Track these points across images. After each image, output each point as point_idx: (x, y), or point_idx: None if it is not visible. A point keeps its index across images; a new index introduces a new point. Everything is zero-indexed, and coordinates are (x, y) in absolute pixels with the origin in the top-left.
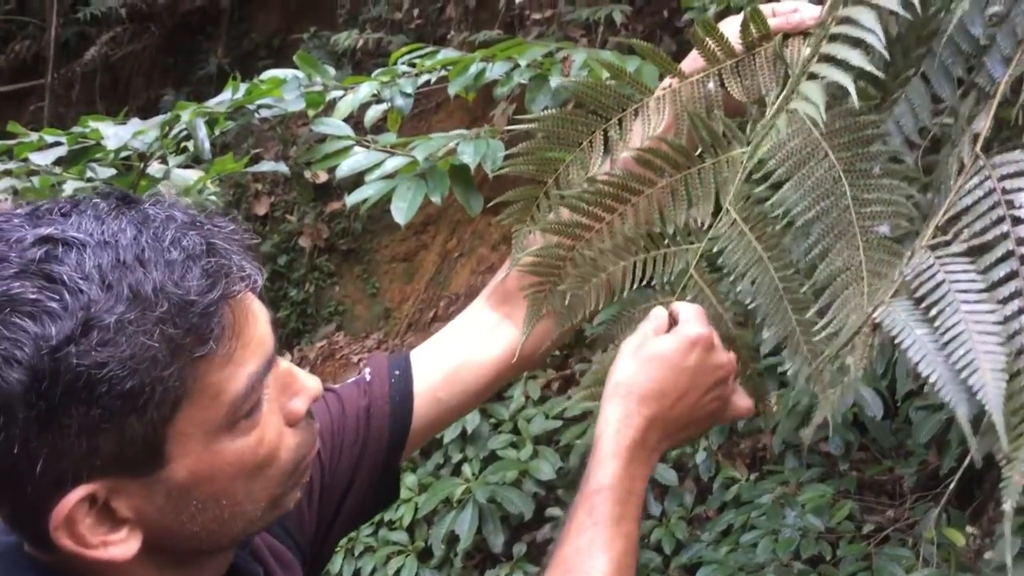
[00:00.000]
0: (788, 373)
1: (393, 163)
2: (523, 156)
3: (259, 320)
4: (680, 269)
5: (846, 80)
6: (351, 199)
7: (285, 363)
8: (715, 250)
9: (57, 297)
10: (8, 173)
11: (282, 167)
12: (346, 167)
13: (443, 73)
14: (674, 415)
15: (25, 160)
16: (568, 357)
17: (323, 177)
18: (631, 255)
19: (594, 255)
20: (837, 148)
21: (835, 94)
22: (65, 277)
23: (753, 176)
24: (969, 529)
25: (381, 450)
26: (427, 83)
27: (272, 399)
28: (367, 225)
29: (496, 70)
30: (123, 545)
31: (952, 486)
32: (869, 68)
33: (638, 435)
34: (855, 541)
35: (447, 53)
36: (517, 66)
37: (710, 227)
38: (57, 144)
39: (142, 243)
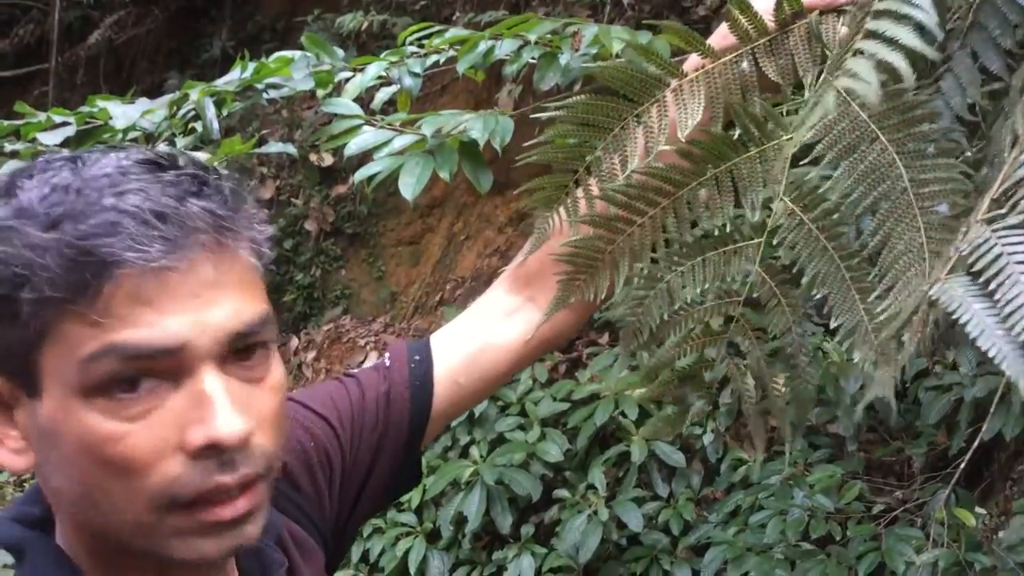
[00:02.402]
0: (855, 361)
1: (402, 141)
2: (550, 144)
3: (177, 308)
4: (740, 268)
5: (897, 58)
6: (359, 175)
7: (214, 388)
8: (774, 243)
9: None
10: (15, 154)
11: (290, 148)
12: (355, 145)
13: (451, 54)
14: None
15: (33, 141)
16: (575, 340)
17: (329, 160)
18: (688, 259)
19: (654, 271)
20: (887, 130)
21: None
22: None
23: (801, 163)
24: (978, 509)
25: (402, 435)
26: (435, 64)
27: (175, 409)
28: (373, 208)
29: (505, 47)
30: (15, 454)
31: (962, 467)
32: (920, 47)
33: None
34: (864, 521)
35: (455, 32)
36: (527, 43)
37: (762, 221)
38: (65, 124)
39: (100, 183)
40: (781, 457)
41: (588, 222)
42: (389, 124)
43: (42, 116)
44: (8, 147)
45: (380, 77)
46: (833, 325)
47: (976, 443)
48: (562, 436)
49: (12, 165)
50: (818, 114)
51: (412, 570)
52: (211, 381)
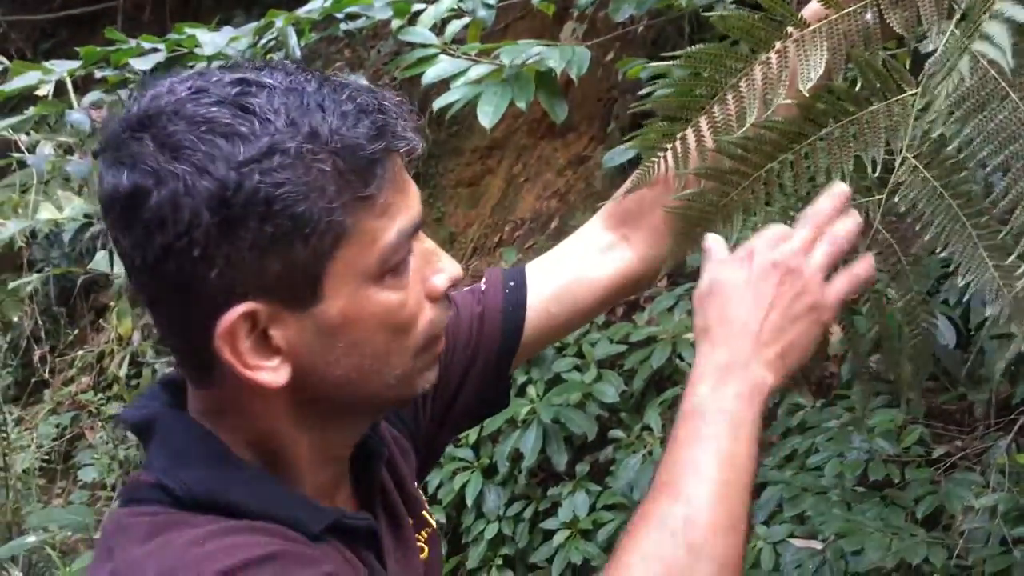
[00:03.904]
0: (989, 316)
1: (478, 70)
2: (667, 91)
3: (411, 187)
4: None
5: None
6: (438, 103)
7: (430, 242)
8: (896, 199)
9: (248, 123)
10: (105, 80)
11: (362, 79)
12: (432, 74)
13: None
14: (749, 315)
15: (124, 67)
16: None
17: None
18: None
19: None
20: (1018, 88)
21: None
22: (256, 108)
23: (927, 120)
24: None
25: (492, 356)
26: None
27: (416, 269)
28: (433, 150)
29: None
30: (274, 373)
31: None
32: None
33: (712, 348)
34: (923, 467)
35: None
36: None
37: (882, 178)
38: (155, 51)
39: (323, 93)
40: (839, 402)
41: (702, 174)
42: (464, 55)
43: (132, 43)
44: (99, 73)
45: (453, 9)
46: (961, 283)
47: None
48: (618, 378)
49: (94, 95)
50: (954, 81)
51: (469, 503)
52: (428, 241)
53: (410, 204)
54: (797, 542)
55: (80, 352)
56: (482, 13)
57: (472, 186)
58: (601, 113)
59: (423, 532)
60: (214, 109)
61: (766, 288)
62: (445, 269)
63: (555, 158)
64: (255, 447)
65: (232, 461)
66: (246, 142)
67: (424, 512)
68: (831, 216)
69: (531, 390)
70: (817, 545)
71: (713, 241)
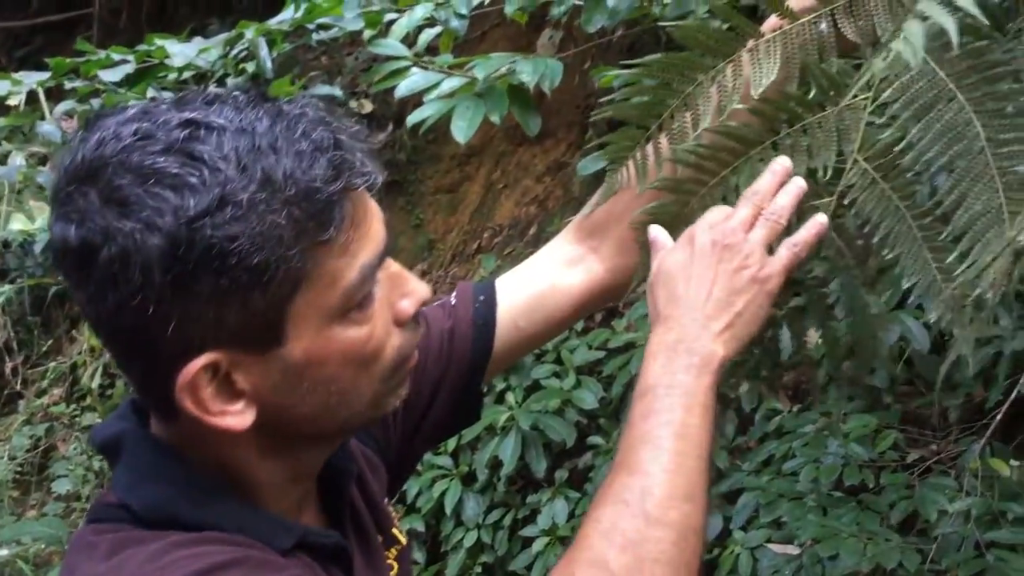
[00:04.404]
0: (930, 320)
1: (451, 83)
2: (625, 100)
3: (375, 216)
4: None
5: (947, 20)
6: (411, 119)
7: (396, 265)
8: (846, 202)
9: (197, 173)
10: (75, 92)
11: (336, 90)
12: (404, 87)
13: None
14: (693, 293)
15: (93, 78)
16: None
17: (368, 107)
18: None
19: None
20: (965, 89)
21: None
22: (205, 156)
23: (876, 123)
24: (1013, 462)
25: (462, 372)
26: (481, 4)
27: (383, 296)
28: (412, 156)
29: None
30: (239, 416)
31: (998, 419)
32: (972, 11)
33: (663, 328)
34: (898, 471)
35: None
36: None
37: (831, 180)
38: (124, 62)
39: (276, 133)
40: (815, 408)
41: (660, 187)
42: (437, 67)
43: (102, 54)
44: (68, 84)
45: (426, 18)
46: (906, 285)
47: (1013, 395)
48: (597, 384)
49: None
50: (865, 75)
51: (448, 511)
52: (395, 264)
53: (373, 236)
54: (774, 547)
55: (52, 364)
56: (455, 23)
57: (451, 193)
58: (579, 119)
59: (393, 549)
60: (161, 159)
61: (708, 266)
62: (412, 292)
63: (534, 164)
64: (220, 469)
65: (197, 481)
66: (196, 194)
67: (394, 529)
68: (771, 191)
69: (510, 397)
70: (794, 550)
71: (657, 232)
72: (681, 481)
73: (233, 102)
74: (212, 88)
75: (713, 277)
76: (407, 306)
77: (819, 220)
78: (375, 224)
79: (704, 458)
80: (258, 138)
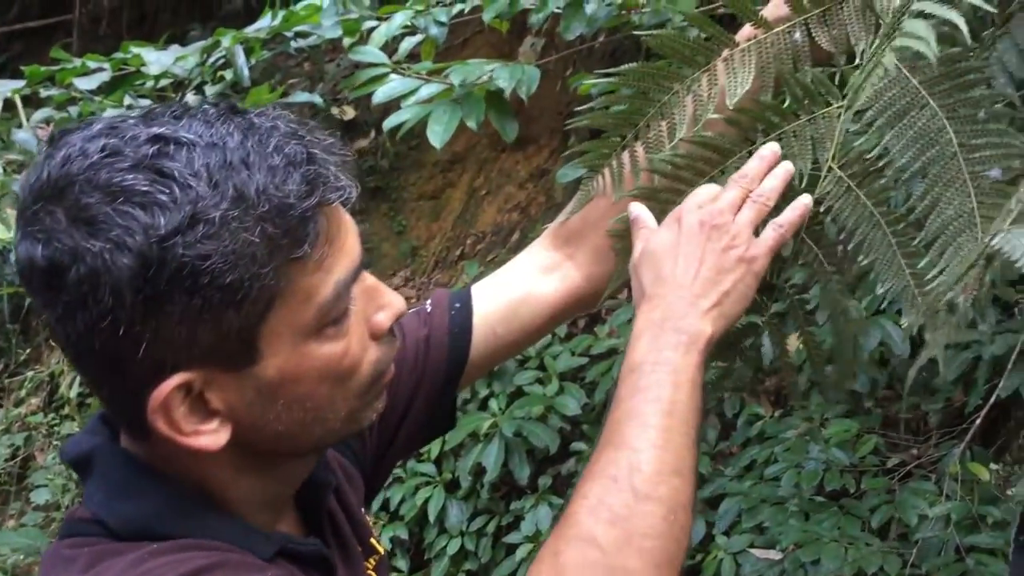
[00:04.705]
0: (904, 326)
1: (429, 89)
2: (600, 109)
3: (349, 231)
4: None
5: (955, 16)
6: (388, 123)
7: (371, 278)
8: (822, 209)
9: (167, 191)
10: (50, 99)
11: (316, 98)
12: (382, 94)
13: (477, 2)
14: (681, 272)
15: (68, 86)
16: None
17: (351, 114)
18: None
19: None
20: (938, 96)
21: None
22: (176, 173)
23: (851, 130)
24: (993, 466)
25: (438, 379)
26: (460, 12)
27: (358, 311)
28: (394, 163)
29: None
30: (213, 436)
31: (977, 423)
32: (980, 3)
33: (649, 307)
34: (879, 476)
35: None
36: None
37: (808, 188)
38: (100, 70)
39: (247, 147)
40: (797, 412)
41: (637, 195)
42: (416, 73)
43: (77, 62)
44: (43, 92)
45: (406, 26)
46: (880, 291)
47: (992, 400)
48: (580, 390)
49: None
50: (878, 75)
51: (431, 518)
52: (370, 277)
53: (348, 251)
54: (757, 553)
55: (31, 373)
56: (434, 31)
57: (434, 199)
58: (562, 126)
59: (371, 559)
60: (130, 177)
61: (695, 245)
62: (388, 305)
63: (516, 171)
64: (195, 485)
65: (172, 497)
66: (166, 212)
67: (372, 539)
68: (759, 175)
69: (493, 404)
70: (776, 555)
71: (639, 210)
72: (669, 457)
73: (203, 116)
74: (190, 95)
75: (701, 256)
76: (383, 319)
77: (803, 201)
78: (350, 238)
79: (692, 435)
80: (229, 153)
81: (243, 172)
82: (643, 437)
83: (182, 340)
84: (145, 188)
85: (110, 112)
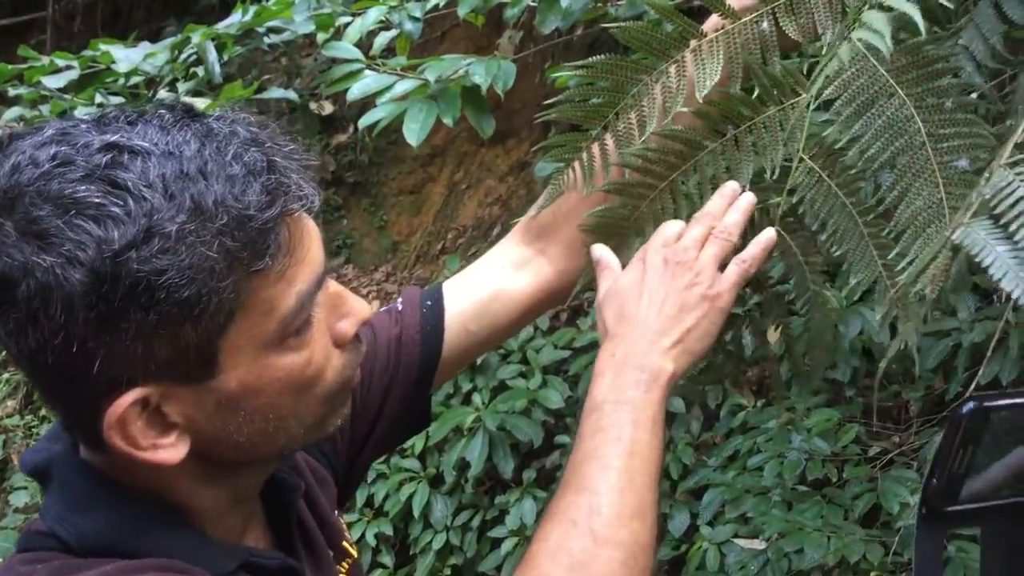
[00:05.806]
0: (876, 317)
1: (404, 86)
2: (570, 102)
3: (312, 239)
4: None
5: (911, 8)
6: (363, 121)
7: (335, 285)
8: (794, 201)
9: (121, 203)
10: (19, 99)
11: (291, 94)
12: (357, 90)
13: None
14: (644, 310)
15: (36, 84)
16: None
17: (329, 109)
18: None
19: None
20: (905, 85)
21: (895, 29)
22: (130, 184)
23: (821, 120)
24: None
25: (411, 378)
26: (435, 7)
27: (321, 319)
28: (374, 158)
29: None
30: (172, 449)
31: None
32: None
33: (611, 346)
34: (860, 464)
35: None
36: None
37: (779, 179)
38: (68, 68)
39: (205, 156)
40: (779, 403)
41: (609, 190)
42: (391, 69)
43: (45, 60)
44: (12, 91)
45: (380, 21)
46: (853, 281)
47: (972, 387)
48: (563, 383)
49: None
50: (833, 67)
51: (416, 514)
52: (333, 284)
53: (311, 260)
54: (741, 542)
55: (6, 375)
56: (409, 26)
57: (414, 194)
58: (544, 121)
59: (344, 563)
60: (82, 188)
61: (658, 283)
62: (352, 313)
63: (496, 164)
64: (155, 497)
65: (132, 509)
66: (120, 225)
67: (344, 543)
68: (721, 212)
69: (476, 398)
70: (760, 545)
71: (601, 251)
72: (631, 499)
73: (158, 121)
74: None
75: (664, 294)
76: (347, 327)
77: (767, 235)
78: (313, 248)
79: (654, 474)
80: (186, 163)
81: (200, 182)
82: (604, 479)
83: (138, 356)
84: (98, 200)
85: (79, 111)
